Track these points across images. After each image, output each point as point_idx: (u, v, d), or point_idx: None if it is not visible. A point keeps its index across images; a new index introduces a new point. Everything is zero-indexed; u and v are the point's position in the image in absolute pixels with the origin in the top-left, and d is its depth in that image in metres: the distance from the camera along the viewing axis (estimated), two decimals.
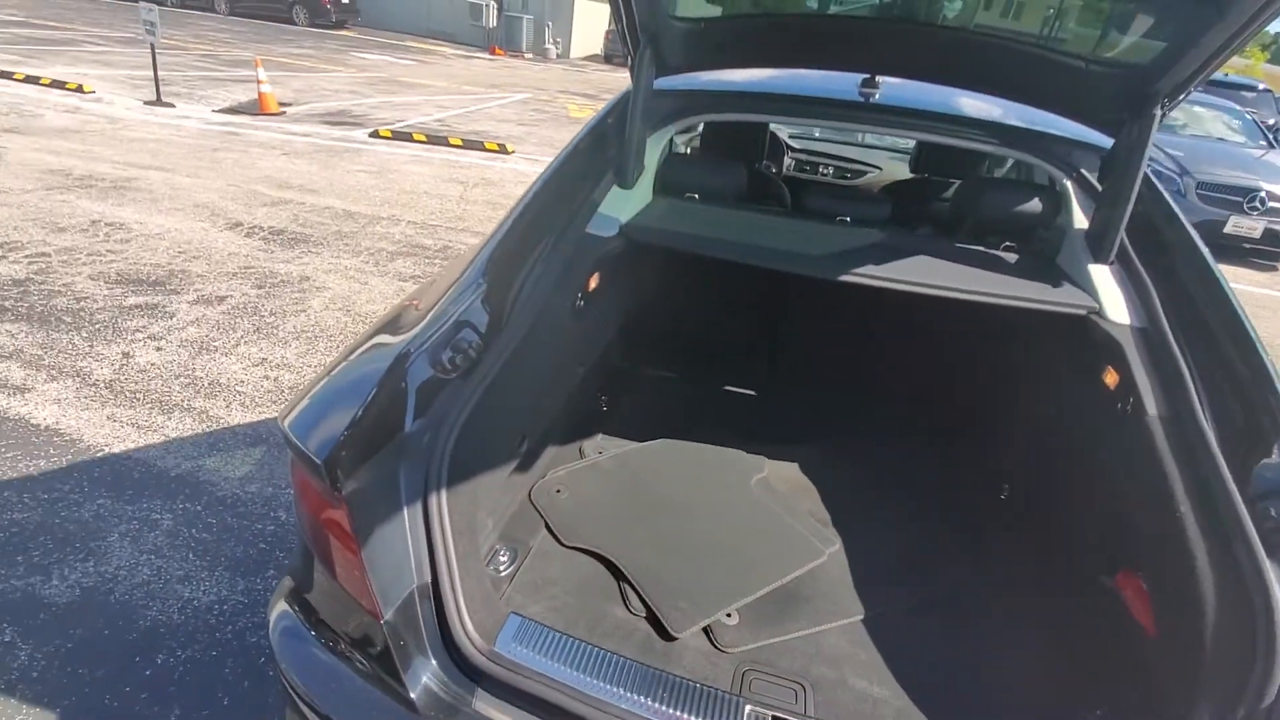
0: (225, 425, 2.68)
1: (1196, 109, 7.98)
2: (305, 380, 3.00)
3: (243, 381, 2.98)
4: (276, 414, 2.75)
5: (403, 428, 1.09)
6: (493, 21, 18.42)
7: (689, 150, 2.72)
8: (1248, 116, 8.01)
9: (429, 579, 1.04)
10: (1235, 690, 0.91)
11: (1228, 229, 6.58)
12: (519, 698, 0.99)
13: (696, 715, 0.97)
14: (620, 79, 16.79)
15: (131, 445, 2.51)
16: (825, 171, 3.33)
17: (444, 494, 1.07)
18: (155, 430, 2.60)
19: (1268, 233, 6.62)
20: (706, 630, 1.29)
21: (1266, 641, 0.91)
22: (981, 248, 1.68)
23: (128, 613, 1.88)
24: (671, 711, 0.97)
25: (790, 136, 3.58)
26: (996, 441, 1.88)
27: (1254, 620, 0.93)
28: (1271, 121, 8.91)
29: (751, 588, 1.39)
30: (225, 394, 2.88)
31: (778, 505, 1.66)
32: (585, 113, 11.42)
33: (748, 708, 0.98)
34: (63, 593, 1.91)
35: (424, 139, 8.06)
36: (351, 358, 1.15)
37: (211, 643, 1.82)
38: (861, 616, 1.38)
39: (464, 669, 1.02)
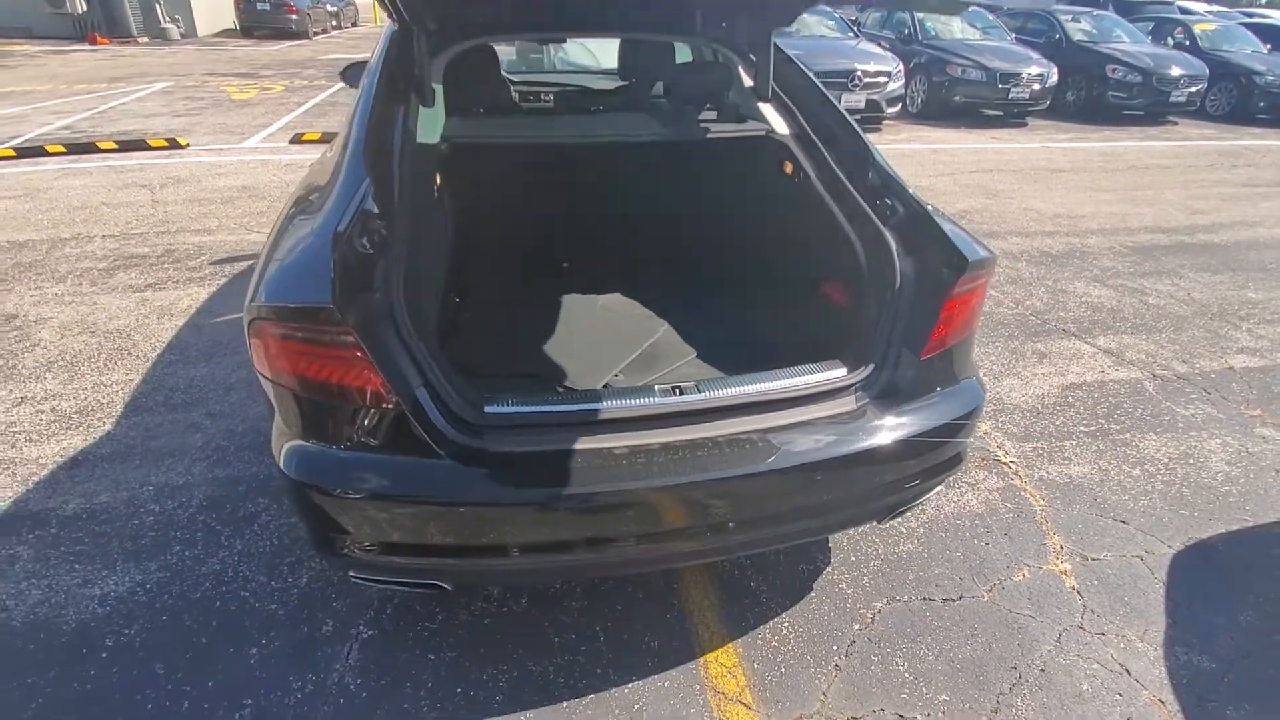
0: (27, 460, 2.47)
1: (804, 16, 9.99)
2: (91, 401, 2.82)
3: (13, 423, 2.70)
4: (80, 440, 2.60)
5: (362, 286, 1.41)
6: (81, 5, 15.34)
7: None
8: (838, 15, 10.14)
9: (422, 382, 1.41)
10: (885, 287, 1.72)
11: (841, 106, 8.57)
12: (516, 431, 1.44)
13: (633, 399, 1.52)
14: (273, 51, 15.24)
15: None
16: (546, 97, 3.84)
17: (410, 328, 1.43)
18: None
19: (869, 102, 8.66)
20: (606, 385, 1.85)
21: (890, 260, 1.72)
22: (695, 109, 2.39)
23: (40, 629, 1.85)
24: (618, 403, 1.50)
25: (505, 71, 4.01)
26: (736, 229, 2.68)
27: (886, 256, 1.73)
28: (854, 18, 11.34)
29: (626, 355, 1.99)
30: (1, 439, 2.60)
31: (619, 314, 2.29)
32: (250, 94, 10.40)
33: (656, 386, 1.56)
34: None
35: (63, 149, 6.87)
36: (285, 244, 1.43)
37: (156, 610, 1.90)
38: (695, 354, 2.05)
39: (471, 432, 1.43)
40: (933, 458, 1.72)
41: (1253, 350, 3.71)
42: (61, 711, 1.66)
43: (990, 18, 11.20)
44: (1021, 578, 2.19)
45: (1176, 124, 10.90)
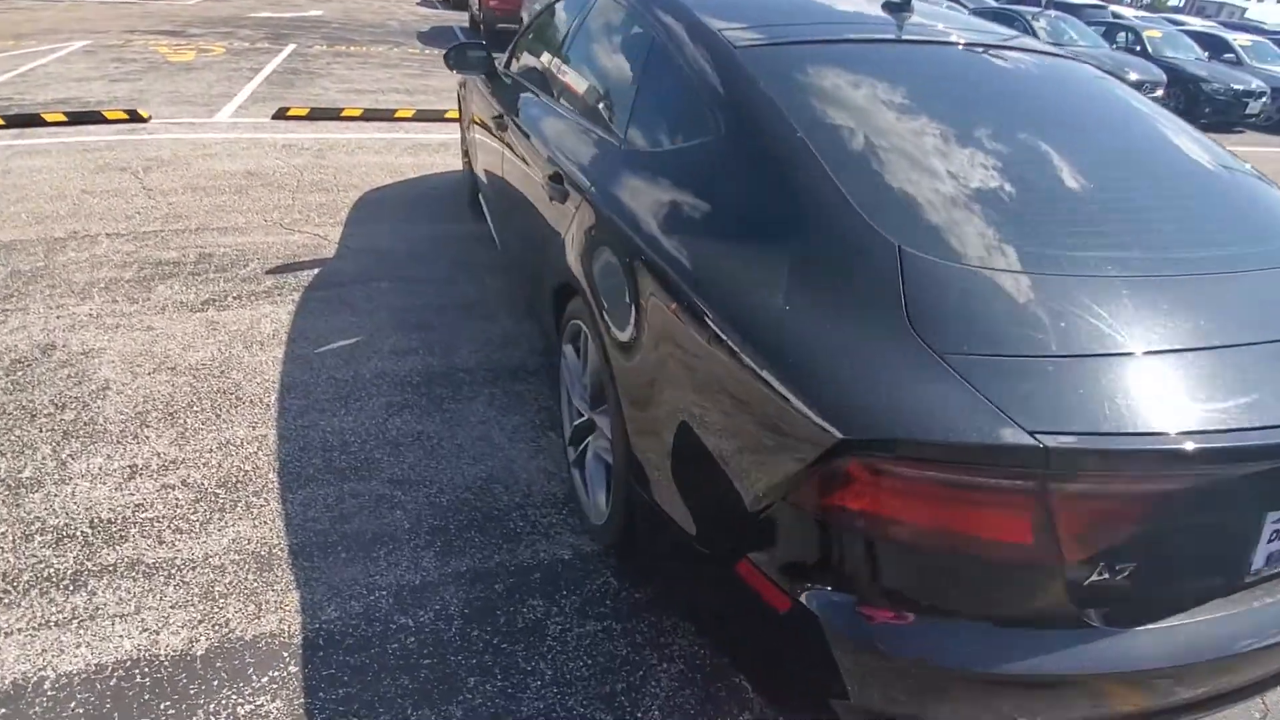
0: (192, 561, 1.90)
1: None
2: (231, 470, 2.24)
3: (141, 505, 2.09)
4: (249, 526, 2.02)
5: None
6: None
7: None
8: None
9: None
10: None
11: None
12: None
13: None
14: (190, 5, 13.44)
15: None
16: None
17: None
18: (55, 647, 1.74)
19: None
20: None
21: None
22: None
23: None
24: None
25: None
26: None
27: None
28: None
29: None
30: (136, 531, 2.00)
31: None
32: (188, 56, 9.13)
33: None
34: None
35: (1, 122, 5.72)
36: (816, 327, 1.18)
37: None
38: None
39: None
40: None
41: None
42: None
43: None
44: None
45: None
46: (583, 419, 2.09)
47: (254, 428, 2.45)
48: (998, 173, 1.47)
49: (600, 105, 2.23)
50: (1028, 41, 2.17)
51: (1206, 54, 12.42)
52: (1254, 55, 13.01)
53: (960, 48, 1.93)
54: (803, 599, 1.15)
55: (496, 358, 3.00)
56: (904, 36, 1.91)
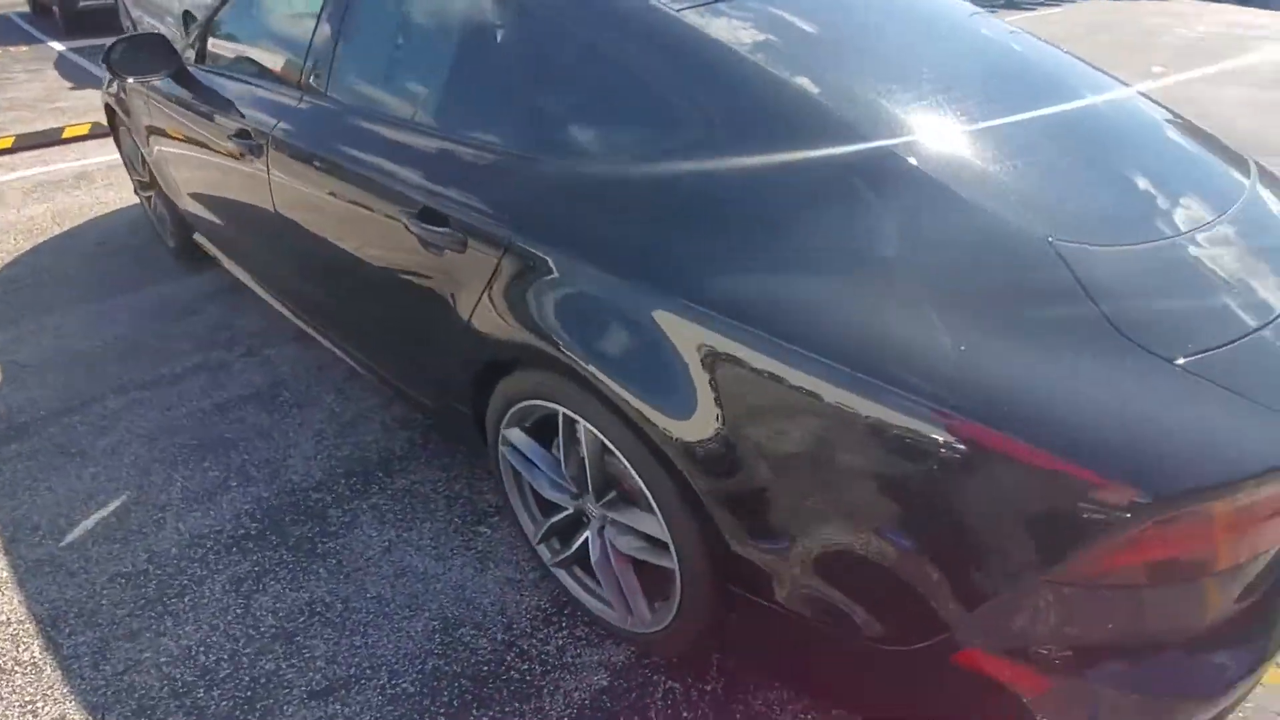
0: None
1: None
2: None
3: None
4: None
5: None
6: None
7: None
8: None
9: None
10: None
11: None
12: None
13: None
14: None
15: None
16: None
17: None
18: None
19: None
20: None
21: None
22: None
23: None
24: None
25: None
26: None
27: None
28: None
29: None
30: None
31: None
32: None
33: None
34: None
35: None
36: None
37: None
38: None
39: None
40: None
41: None
42: None
43: None
44: None
45: None
46: (566, 513, 1.61)
47: (34, 712, 1.53)
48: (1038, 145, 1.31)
49: (452, 106, 1.62)
50: None
51: None
52: None
53: None
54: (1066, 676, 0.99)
55: (347, 452, 2.27)
56: None
